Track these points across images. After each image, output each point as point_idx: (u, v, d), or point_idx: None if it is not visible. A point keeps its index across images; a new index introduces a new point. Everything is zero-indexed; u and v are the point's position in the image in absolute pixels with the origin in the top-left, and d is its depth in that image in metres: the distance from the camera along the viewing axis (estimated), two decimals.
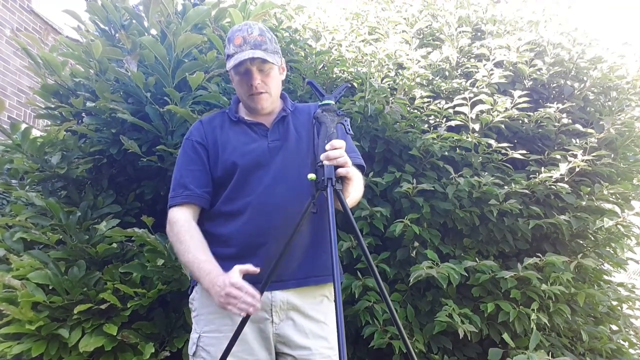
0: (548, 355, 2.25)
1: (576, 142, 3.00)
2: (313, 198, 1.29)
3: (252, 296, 1.22)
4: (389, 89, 2.95)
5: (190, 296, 1.51)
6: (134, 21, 2.47)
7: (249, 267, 1.29)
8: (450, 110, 2.96)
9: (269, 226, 1.40)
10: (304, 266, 1.42)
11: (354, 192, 1.44)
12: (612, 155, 2.99)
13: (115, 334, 1.96)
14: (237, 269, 1.27)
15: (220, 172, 1.48)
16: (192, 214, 1.47)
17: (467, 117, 2.89)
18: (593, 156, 2.79)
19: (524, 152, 2.86)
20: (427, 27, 3.73)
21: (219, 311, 1.41)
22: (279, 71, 1.56)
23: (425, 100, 3.05)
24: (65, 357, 1.97)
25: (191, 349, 1.44)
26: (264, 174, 1.45)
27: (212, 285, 1.27)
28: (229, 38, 1.50)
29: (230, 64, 1.47)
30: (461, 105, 2.90)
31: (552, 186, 2.73)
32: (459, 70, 3.38)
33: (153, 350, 2.00)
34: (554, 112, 2.98)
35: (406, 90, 3.08)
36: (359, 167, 1.50)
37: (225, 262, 1.34)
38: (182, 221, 1.43)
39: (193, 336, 1.45)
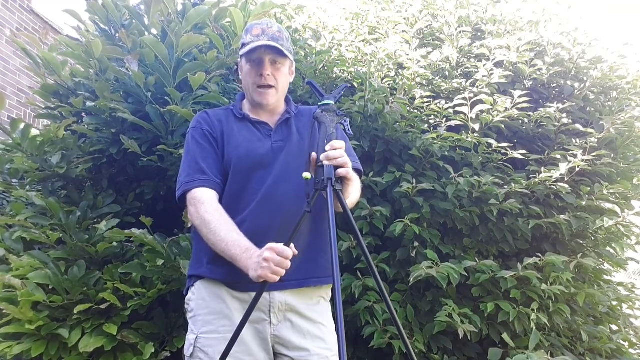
0: (548, 355, 2.25)
1: (576, 142, 3.00)
2: (308, 197, 1.29)
3: (285, 256, 1.21)
4: (389, 89, 2.95)
5: (187, 297, 1.50)
6: (134, 21, 2.47)
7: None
8: (450, 110, 2.96)
9: (271, 226, 1.40)
10: (304, 267, 1.41)
11: (353, 193, 1.44)
12: (612, 155, 2.99)
13: (115, 334, 1.96)
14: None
15: (225, 165, 1.48)
16: (215, 196, 1.44)
17: (467, 117, 2.88)
18: (593, 156, 2.79)
19: (524, 152, 2.86)
20: (427, 27, 3.73)
21: (216, 312, 1.41)
22: (289, 72, 1.57)
23: (425, 100, 3.05)
24: (65, 357, 1.96)
25: (188, 350, 1.42)
26: (267, 174, 1.46)
27: (250, 260, 1.25)
28: (247, 29, 1.52)
29: (244, 50, 1.48)
30: (461, 105, 2.90)
31: (552, 186, 2.73)
32: (459, 70, 3.38)
33: (153, 350, 2.00)
34: (554, 112, 2.98)
35: (406, 90, 3.08)
36: (356, 171, 1.50)
37: (224, 259, 1.33)
38: (210, 200, 1.40)
39: (190, 337, 1.43)
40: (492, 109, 2.93)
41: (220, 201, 1.44)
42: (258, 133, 1.52)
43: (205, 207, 1.38)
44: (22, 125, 2.37)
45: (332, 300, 1.13)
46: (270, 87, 1.50)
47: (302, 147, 1.50)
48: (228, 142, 1.49)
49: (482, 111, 2.90)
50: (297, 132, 1.55)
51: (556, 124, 3.03)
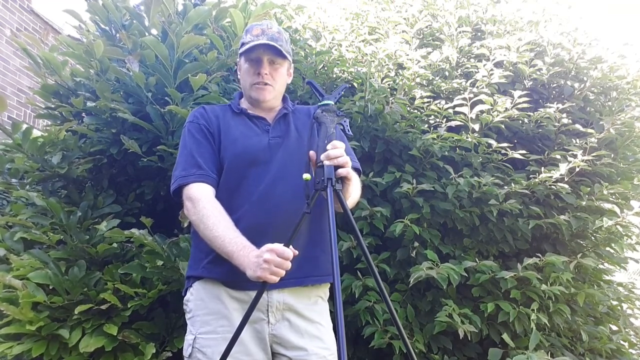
0: (548, 355, 2.26)
1: (576, 142, 3.00)
2: (307, 198, 1.29)
3: (285, 257, 1.21)
4: (389, 89, 2.95)
5: (185, 298, 1.50)
6: (134, 21, 2.47)
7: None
8: (450, 110, 2.96)
9: (269, 225, 1.40)
10: (303, 266, 1.41)
11: (354, 192, 1.45)
12: (612, 155, 2.99)
13: (115, 334, 1.96)
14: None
15: (221, 160, 1.48)
16: (212, 192, 1.43)
17: (467, 117, 2.89)
18: (593, 156, 2.79)
19: (524, 152, 2.86)
20: (427, 27, 3.73)
21: (215, 312, 1.41)
22: (287, 73, 1.58)
23: (425, 100, 3.05)
24: (65, 357, 1.97)
25: (187, 350, 1.42)
26: (264, 171, 1.45)
27: (247, 258, 1.25)
28: (247, 29, 1.53)
29: (243, 49, 1.49)
30: (461, 105, 2.90)
31: (552, 186, 2.73)
32: (459, 70, 3.38)
33: (154, 351, 2.00)
34: (554, 112, 2.98)
35: (406, 90, 3.08)
36: (355, 170, 1.50)
37: (223, 259, 1.33)
38: (207, 196, 1.40)
39: (188, 338, 1.43)
40: (492, 109, 2.93)
41: (215, 196, 1.44)
42: (255, 128, 1.53)
43: (203, 203, 1.38)
44: (23, 127, 2.37)
45: (332, 300, 1.13)
46: (267, 85, 1.51)
47: (300, 145, 1.50)
48: (225, 137, 1.49)
49: (482, 111, 2.90)
50: (295, 129, 1.55)
51: (556, 124, 3.03)
